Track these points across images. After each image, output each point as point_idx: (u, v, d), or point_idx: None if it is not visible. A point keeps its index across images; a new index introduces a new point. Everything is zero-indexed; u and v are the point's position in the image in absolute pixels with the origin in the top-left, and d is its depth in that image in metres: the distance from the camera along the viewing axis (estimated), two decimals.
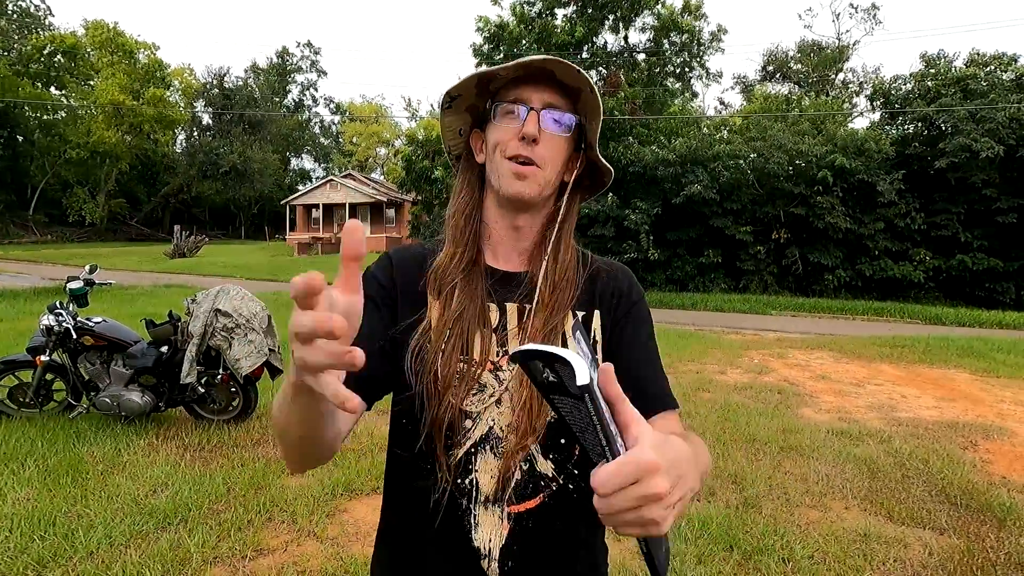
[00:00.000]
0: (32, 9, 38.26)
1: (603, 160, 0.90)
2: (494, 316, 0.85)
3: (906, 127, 18.84)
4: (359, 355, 0.47)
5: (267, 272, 20.25)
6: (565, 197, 0.89)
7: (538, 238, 0.89)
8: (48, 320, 3.96)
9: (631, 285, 0.91)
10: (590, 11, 19.35)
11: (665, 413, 0.83)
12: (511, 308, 0.85)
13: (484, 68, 0.84)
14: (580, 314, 0.86)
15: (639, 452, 0.47)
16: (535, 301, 0.84)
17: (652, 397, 0.84)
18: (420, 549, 0.84)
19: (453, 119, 0.90)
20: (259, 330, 4.11)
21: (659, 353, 0.91)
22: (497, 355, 0.83)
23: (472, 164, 0.91)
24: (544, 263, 0.86)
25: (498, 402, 0.81)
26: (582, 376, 0.45)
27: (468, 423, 0.80)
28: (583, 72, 0.81)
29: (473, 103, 0.88)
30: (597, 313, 0.88)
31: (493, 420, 0.81)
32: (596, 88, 0.84)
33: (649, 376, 0.85)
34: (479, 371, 0.82)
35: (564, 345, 0.83)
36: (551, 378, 0.48)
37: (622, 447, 0.49)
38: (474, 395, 0.81)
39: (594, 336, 0.86)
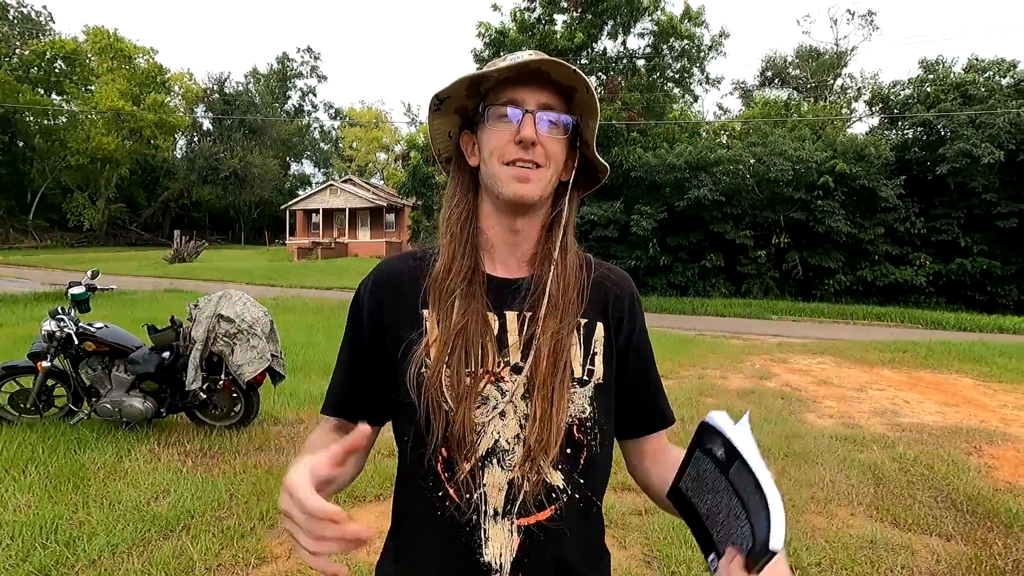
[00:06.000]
0: (33, 15, 38.40)
1: (599, 158, 0.88)
2: (494, 325, 0.83)
3: (906, 132, 18.91)
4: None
5: (267, 277, 20.23)
6: (566, 199, 0.86)
7: (536, 242, 0.87)
8: (50, 325, 3.95)
9: (633, 297, 0.91)
10: (589, 17, 19.44)
11: (663, 432, 0.93)
12: (510, 316, 0.83)
13: (475, 71, 0.81)
14: (583, 321, 0.85)
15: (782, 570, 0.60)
16: (544, 307, 0.82)
17: (655, 417, 0.92)
18: (428, 566, 0.82)
19: (442, 122, 0.87)
20: (262, 336, 4.10)
21: (655, 363, 0.93)
22: (499, 366, 0.81)
23: (464, 167, 0.88)
24: (553, 268, 0.84)
25: (502, 414, 0.80)
26: (772, 502, 0.57)
27: (474, 437, 0.79)
28: (579, 72, 0.78)
29: (462, 104, 0.85)
30: (600, 325, 0.87)
31: (498, 433, 0.80)
32: (593, 88, 0.81)
33: (651, 396, 0.90)
34: (483, 384, 0.80)
35: (588, 349, 0.85)
36: (720, 455, 0.62)
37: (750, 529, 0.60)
38: (477, 408, 0.79)
39: (594, 347, 0.85)
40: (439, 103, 0.84)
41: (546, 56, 0.79)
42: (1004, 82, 17.86)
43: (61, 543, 2.62)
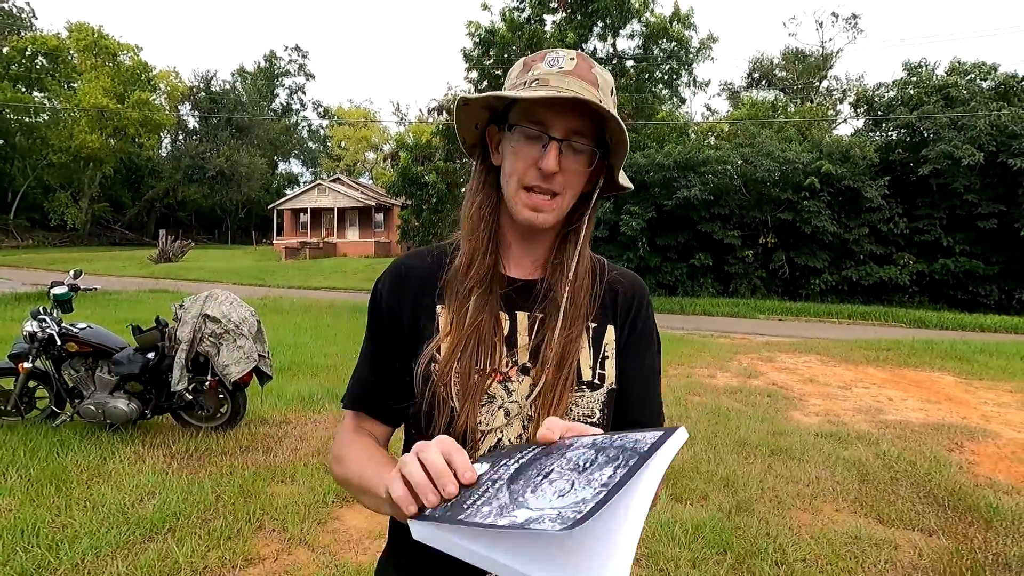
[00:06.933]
0: (15, 11, 37.71)
1: (625, 180, 0.86)
2: (505, 325, 0.83)
3: (890, 134, 19.16)
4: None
5: (254, 277, 20.06)
6: (587, 210, 0.86)
7: (551, 247, 0.87)
8: (31, 326, 3.89)
9: (643, 303, 0.91)
10: (579, 18, 19.47)
11: None
12: (521, 317, 0.84)
13: (503, 92, 0.79)
14: (593, 325, 0.85)
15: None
16: (555, 311, 0.82)
17: (645, 419, 0.89)
18: (428, 562, 0.82)
19: (468, 116, 0.86)
20: (248, 336, 4.06)
21: (659, 372, 0.92)
22: (507, 366, 0.81)
23: (489, 164, 0.87)
24: (565, 276, 0.84)
25: (507, 413, 0.80)
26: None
27: (477, 435, 0.79)
28: (614, 115, 0.76)
29: (489, 101, 0.83)
30: (611, 328, 0.87)
31: (502, 432, 0.80)
32: (624, 127, 0.79)
33: (637, 406, 0.88)
34: (489, 382, 0.80)
35: (598, 353, 0.85)
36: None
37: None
38: (483, 407, 0.80)
39: (604, 351, 0.86)
40: (464, 102, 0.83)
41: (582, 89, 0.76)
42: (985, 85, 18.17)
43: (43, 546, 2.58)
